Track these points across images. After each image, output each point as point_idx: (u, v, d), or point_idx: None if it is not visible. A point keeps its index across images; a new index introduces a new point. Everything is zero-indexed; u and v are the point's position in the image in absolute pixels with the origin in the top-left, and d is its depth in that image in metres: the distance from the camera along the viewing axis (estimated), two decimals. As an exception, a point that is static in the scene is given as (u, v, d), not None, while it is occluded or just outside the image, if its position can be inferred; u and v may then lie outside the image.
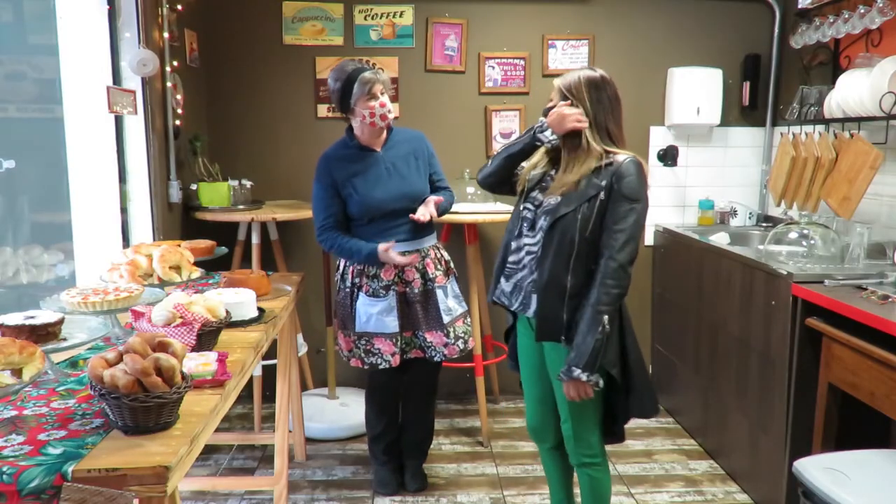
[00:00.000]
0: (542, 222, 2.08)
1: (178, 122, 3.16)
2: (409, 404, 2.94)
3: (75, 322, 1.75)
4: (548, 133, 2.13)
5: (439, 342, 2.75)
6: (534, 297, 2.10)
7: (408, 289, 2.72)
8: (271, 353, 2.75)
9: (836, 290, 2.37)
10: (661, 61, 3.77)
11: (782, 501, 2.59)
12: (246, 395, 3.66)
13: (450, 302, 2.78)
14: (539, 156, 2.22)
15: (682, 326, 3.54)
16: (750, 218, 3.82)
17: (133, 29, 2.81)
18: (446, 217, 3.15)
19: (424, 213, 2.65)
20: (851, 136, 2.93)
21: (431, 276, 2.74)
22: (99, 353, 1.41)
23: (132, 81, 2.83)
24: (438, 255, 2.80)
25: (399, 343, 2.73)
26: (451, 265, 2.86)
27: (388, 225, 2.68)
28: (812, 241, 2.79)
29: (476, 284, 3.37)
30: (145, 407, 1.33)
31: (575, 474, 2.31)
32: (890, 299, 2.21)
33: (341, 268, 2.80)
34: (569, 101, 2.08)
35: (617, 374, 2.05)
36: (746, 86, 3.75)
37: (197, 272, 2.31)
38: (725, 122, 3.80)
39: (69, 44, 2.61)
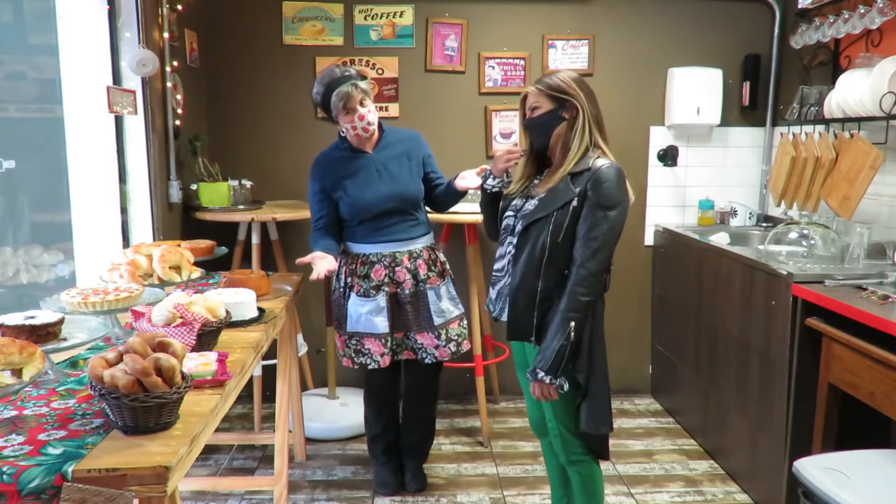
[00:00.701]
0: (519, 226, 2.10)
1: (178, 122, 3.16)
2: (407, 405, 2.94)
3: (75, 322, 1.75)
4: (490, 180, 2.23)
5: (430, 344, 2.74)
6: (508, 300, 2.15)
7: (398, 289, 2.71)
8: (271, 353, 2.75)
9: (836, 290, 2.37)
10: (661, 61, 3.77)
11: (782, 501, 2.59)
12: (246, 395, 3.66)
13: (443, 304, 2.76)
14: (521, 168, 2.22)
15: (682, 326, 3.54)
16: (750, 218, 3.82)
17: (133, 29, 2.81)
18: (446, 217, 3.15)
19: (469, 181, 2.64)
20: (851, 136, 2.93)
21: (423, 277, 2.73)
22: (99, 353, 1.41)
23: (132, 81, 2.83)
24: (433, 257, 2.79)
25: (389, 344, 2.73)
26: (447, 266, 2.85)
27: (379, 225, 2.69)
28: (812, 241, 2.79)
29: (476, 285, 3.37)
30: (145, 407, 1.33)
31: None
32: (890, 299, 2.21)
33: (337, 268, 2.81)
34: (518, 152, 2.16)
35: (583, 380, 2.05)
36: (746, 86, 3.75)
37: (197, 272, 2.31)
38: (725, 122, 3.80)
39: (69, 44, 2.61)
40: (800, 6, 3.31)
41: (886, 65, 2.70)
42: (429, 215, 2.88)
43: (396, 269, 2.70)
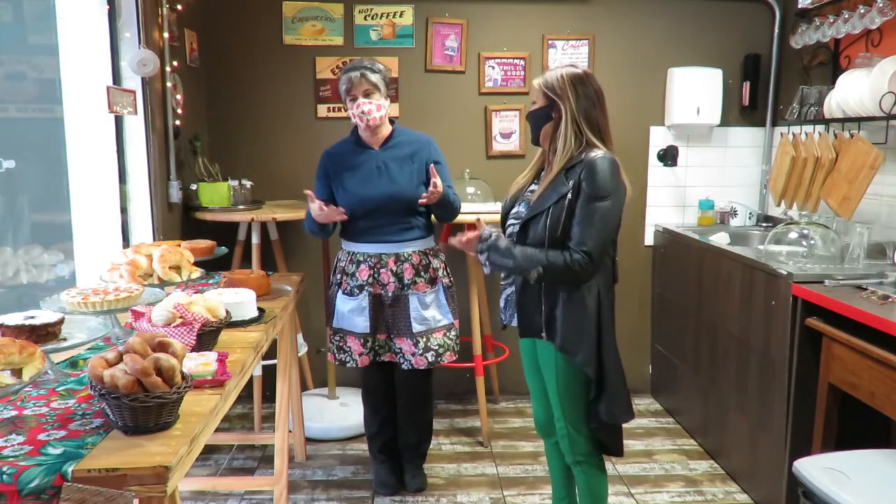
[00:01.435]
0: (516, 228, 2.12)
1: (178, 122, 3.16)
2: (401, 406, 2.93)
3: (75, 322, 1.75)
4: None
5: (408, 350, 2.73)
6: (513, 304, 2.19)
7: (382, 291, 2.71)
8: (271, 353, 2.75)
9: (836, 290, 2.37)
10: (661, 61, 3.77)
11: (782, 501, 2.59)
12: (246, 395, 3.66)
13: (428, 311, 2.73)
14: (527, 176, 2.24)
15: (682, 326, 3.54)
16: (750, 218, 3.82)
17: (133, 29, 2.81)
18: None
19: (432, 190, 2.59)
20: (851, 136, 2.93)
21: (408, 281, 2.71)
22: (99, 353, 1.41)
23: (132, 81, 2.83)
24: (425, 262, 2.75)
25: (370, 344, 2.74)
26: (442, 273, 2.80)
27: (369, 225, 2.69)
28: (812, 241, 2.79)
29: (476, 285, 3.37)
30: (145, 407, 1.32)
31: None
32: (890, 299, 2.21)
33: (334, 263, 2.85)
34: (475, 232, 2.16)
35: (592, 374, 2.05)
36: (746, 86, 3.75)
37: (197, 272, 2.31)
38: (725, 122, 3.80)
39: (69, 44, 2.61)
40: (800, 6, 3.31)
41: (886, 65, 2.70)
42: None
43: (381, 270, 2.70)
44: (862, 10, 2.88)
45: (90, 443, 1.31)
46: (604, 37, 3.73)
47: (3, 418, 1.42)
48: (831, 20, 3.09)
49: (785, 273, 2.54)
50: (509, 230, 2.19)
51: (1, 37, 2.57)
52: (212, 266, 2.70)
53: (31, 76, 2.61)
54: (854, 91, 2.84)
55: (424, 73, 3.70)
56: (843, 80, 2.95)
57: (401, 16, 3.66)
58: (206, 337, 1.81)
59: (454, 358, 2.84)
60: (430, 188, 2.59)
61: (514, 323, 2.23)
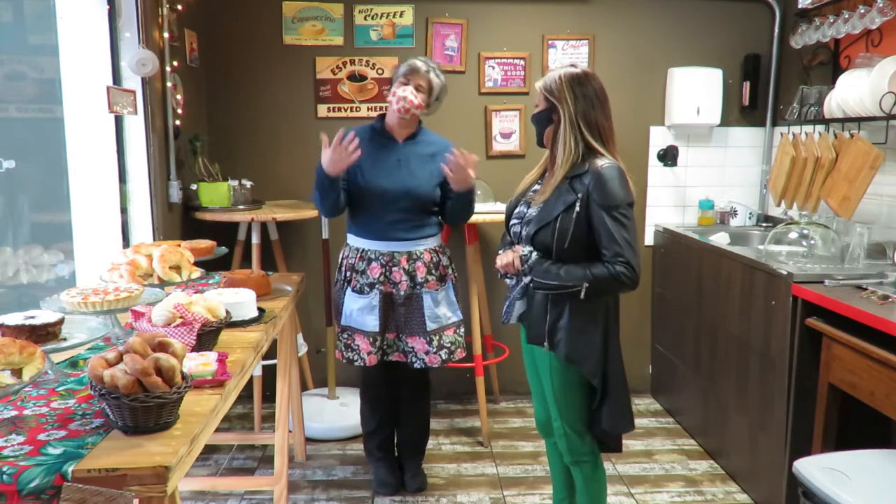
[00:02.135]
0: (528, 231, 2.10)
1: (178, 122, 3.16)
2: (401, 403, 2.94)
3: (75, 322, 1.75)
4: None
5: (421, 349, 2.72)
6: (517, 304, 2.17)
7: (394, 290, 2.69)
8: (271, 353, 2.75)
9: (836, 290, 2.37)
10: (661, 61, 3.77)
11: (782, 501, 2.59)
12: (246, 395, 3.66)
13: (440, 309, 2.72)
14: (533, 175, 2.23)
15: (682, 326, 3.54)
16: (750, 218, 3.82)
17: (133, 29, 2.81)
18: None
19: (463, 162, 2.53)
20: (851, 136, 2.93)
21: (421, 280, 2.70)
22: (99, 353, 1.41)
23: (132, 81, 2.83)
24: (435, 260, 2.74)
25: (378, 343, 2.72)
26: (451, 271, 2.81)
27: (382, 221, 2.65)
28: (812, 241, 2.80)
29: (476, 284, 3.37)
30: (145, 407, 1.32)
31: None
32: (890, 299, 2.21)
33: (339, 260, 2.82)
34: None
35: (598, 384, 2.06)
36: (746, 86, 3.75)
37: (197, 272, 2.31)
38: (725, 122, 3.80)
39: (69, 44, 2.61)
40: (800, 6, 3.31)
41: (886, 65, 2.70)
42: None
43: (393, 269, 2.68)
44: (862, 10, 2.89)
45: (90, 443, 1.31)
46: (604, 37, 3.73)
47: (3, 418, 1.42)
48: (831, 20, 3.09)
49: (785, 273, 2.54)
50: (513, 230, 2.18)
51: (1, 37, 2.58)
52: (212, 266, 2.70)
53: (31, 76, 2.61)
54: (854, 91, 2.84)
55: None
56: (843, 80, 2.96)
57: (401, 16, 3.66)
58: (206, 337, 1.81)
59: (463, 354, 2.85)
60: (461, 162, 2.50)
61: (512, 320, 2.23)
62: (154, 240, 2.93)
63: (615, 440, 2.22)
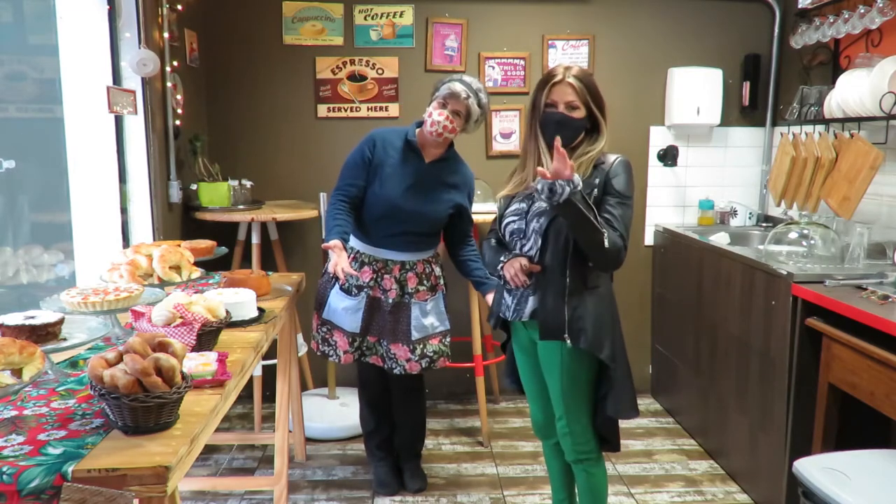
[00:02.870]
0: (536, 224, 2.08)
1: (178, 122, 3.16)
2: (396, 404, 2.93)
3: (75, 322, 1.75)
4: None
5: (402, 356, 2.70)
6: (530, 300, 2.12)
7: (382, 296, 2.68)
8: (271, 353, 2.75)
9: (836, 290, 2.37)
10: (661, 61, 3.77)
11: (782, 501, 2.59)
12: (246, 395, 3.66)
13: (427, 319, 2.71)
14: (513, 183, 2.21)
15: (682, 326, 3.54)
16: (750, 218, 3.82)
17: (133, 29, 2.81)
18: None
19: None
20: (851, 136, 2.93)
21: (411, 290, 2.69)
22: (99, 353, 1.41)
23: (132, 81, 2.83)
24: (427, 270, 2.73)
25: (357, 343, 2.72)
26: (442, 281, 2.80)
27: (385, 232, 2.64)
28: (812, 241, 2.79)
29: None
30: (145, 407, 1.33)
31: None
32: (890, 299, 2.21)
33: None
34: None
35: (615, 368, 2.07)
36: (746, 86, 3.75)
37: (197, 272, 2.31)
38: (725, 122, 3.80)
39: (69, 44, 2.61)
40: (800, 6, 3.32)
41: (886, 65, 2.70)
42: None
43: (385, 276, 2.67)
44: (862, 10, 2.89)
45: (90, 443, 1.31)
46: (604, 37, 3.73)
47: (3, 418, 1.42)
48: (831, 20, 3.09)
49: (785, 273, 2.53)
50: (510, 227, 2.16)
51: (1, 37, 2.58)
52: (212, 266, 2.70)
53: (31, 76, 2.61)
54: (854, 91, 2.84)
55: (424, 73, 3.70)
56: (843, 80, 2.95)
57: (401, 16, 3.66)
58: (206, 337, 1.81)
59: (446, 364, 2.81)
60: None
61: (524, 318, 2.15)
62: (154, 240, 2.93)
63: (614, 438, 2.23)
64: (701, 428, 3.38)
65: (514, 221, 2.15)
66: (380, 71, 3.67)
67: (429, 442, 3.14)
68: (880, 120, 2.72)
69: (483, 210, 3.28)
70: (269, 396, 3.63)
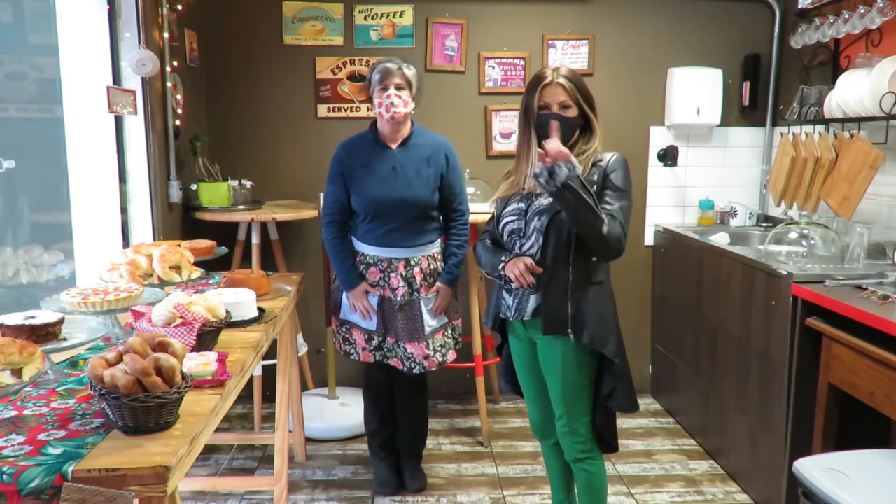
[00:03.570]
0: (537, 223, 2.09)
1: (178, 122, 3.16)
2: (400, 403, 2.94)
3: (75, 322, 1.75)
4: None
5: (420, 354, 2.72)
6: (531, 299, 2.12)
7: (392, 295, 2.70)
8: (271, 353, 2.75)
9: (836, 290, 2.37)
10: (661, 61, 3.77)
11: (782, 501, 2.59)
12: (246, 395, 3.66)
13: (436, 314, 2.77)
14: (508, 184, 2.23)
15: (682, 326, 3.54)
16: (750, 218, 3.82)
17: (133, 29, 2.81)
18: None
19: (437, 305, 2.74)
20: (851, 136, 2.93)
21: (418, 286, 2.71)
22: (99, 353, 1.41)
23: (132, 81, 2.83)
24: (433, 266, 2.75)
25: (376, 342, 2.75)
26: None
27: (386, 226, 2.67)
28: (812, 241, 2.79)
29: (476, 285, 3.37)
30: (145, 407, 1.32)
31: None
32: (890, 299, 2.21)
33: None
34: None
35: (612, 354, 2.08)
36: (746, 86, 3.75)
37: (197, 272, 2.31)
38: (725, 122, 3.80)
39: (69, 44, 2.61)
40: (800, 6, 3.31)
41: (886, 65, 2.70)
42: None
43: (391, 274, 2.70)
44: (862, 10, 2.88)
45: (90, 443, 1.31)
46: (604, 37, 3.73)
47: (3, 418, 1.42)
48: (831, 20, 3.09)
49: (785, 273, 2.53)
50: (508, 227, 2.16)
51: (1, 37, 2.58)
52: (212, 266, 2.70)
53: (31, 76, 2.61)
54: (854, 91, 2.84)
55: (424, 73, 3.69)
56: (843, 80, 2.95)
57: (401, 16, 3.66)
58: (206, 337, 1.81)
59: (455, 356, 2.85)
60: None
61: (527, 317, 2.14)
62: (154, 240, 2.93)
63: (613, 437, 2.23)
64: (701, 428, 3.38)
65: (512, 221, 2.15)
66: (380, 71, 3.67)
67: (429, 442, 3.14)
68: (880, 120, 2.72)
69: (483, 210, 3.27)
70: (269, 396, 3.63)
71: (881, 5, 2.78)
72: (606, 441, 2.23)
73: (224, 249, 2.73)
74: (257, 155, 3.70)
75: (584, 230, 1.98)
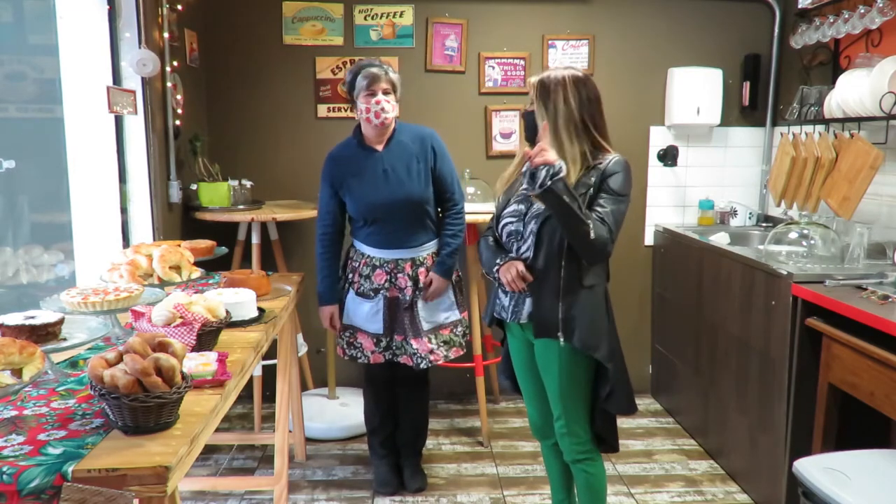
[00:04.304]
0: (533, 226, 2.09)
1: (178, 122, 3.16)
2: (401, 401, 2.94)
3: (75, 322, 1.75)
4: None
5: (424, 349, 2.74)
6: (527, 302, 2.13)
7: (400, 294, 2.72)
8: (271, 353, 2.75)
9: (836, 290, 2.37)
10: (661, 61, 3.77)
11: (782, 501, 2.59)
12: (246, 395, 3.66)
13: (439, 310, 2.78)
14: (512, 172, 2.23)
15: (682, 326, 3.54)
16: (750, 218, 3.82)
17: (133, 29, 2.81)
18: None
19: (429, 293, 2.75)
20: (851, 136, 2.93)
21: (423, 285, 2.73)
22: (99, 353, 1.41)
23: (132, 81, 2.83)
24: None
25: (384, 344, 2.76)
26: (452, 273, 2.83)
27: (384, 230, 2.68)
28: (812, 241, 2.79)
29: (476, 285, 3.37)
30: (145, 407, 1.32)
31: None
32: (890, 299, 2.21)
33: (344, 260, 2.85)
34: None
35: (604, 359, 2.07)
36: (746, 86, 3.75)
37: (197, 272, 2.31)
38: (725, 122, 3.80)
39: (69, 44, 2.61)
40: (800, 6, 3.32)
41: (886, 65, 2.70)
42: None
43: (398, 275, 2.71)
44: (862, 10, 2.88)
45: (90, 443, 1.31)
46: (604, 37, 3.73)
47: (3, 418, 1.42)
48: (831, 20, 3.09)
49: (785, 273, 2.54)
50: (507, 228, 2.17)
51: (1, 37, 2.57)
52: (212, 266, 2.70)
53: (31, 76, 2.61)
54: (854, 91, 2.84)
55: (424, 73, 3.70)
56: (843, 80, 2.95)
57: (401, 16, 3.66)
58: (206, 337, 1.81)
59: (461, 353, 2.87)
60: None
61: (522, 320, 2.15)
62: (154, 240, 2.93)
63: (613, 437, 2.23)
64: (701, 428, 3.38)
65: (511, 223, 2.16)
66: (380, 71, 3.67)
67: (429, 442, 3.14)
68: (880, 120, 2.72)
69: (483, 210, 3.29)
70: (269, 396, 3.63)
71: (881, 5, 2.78)
72: (606, 441, 2.23)
73: (224, 249, 2.73)
74: (257, 155, 3.70)
75: (569, 233, 1.99)
